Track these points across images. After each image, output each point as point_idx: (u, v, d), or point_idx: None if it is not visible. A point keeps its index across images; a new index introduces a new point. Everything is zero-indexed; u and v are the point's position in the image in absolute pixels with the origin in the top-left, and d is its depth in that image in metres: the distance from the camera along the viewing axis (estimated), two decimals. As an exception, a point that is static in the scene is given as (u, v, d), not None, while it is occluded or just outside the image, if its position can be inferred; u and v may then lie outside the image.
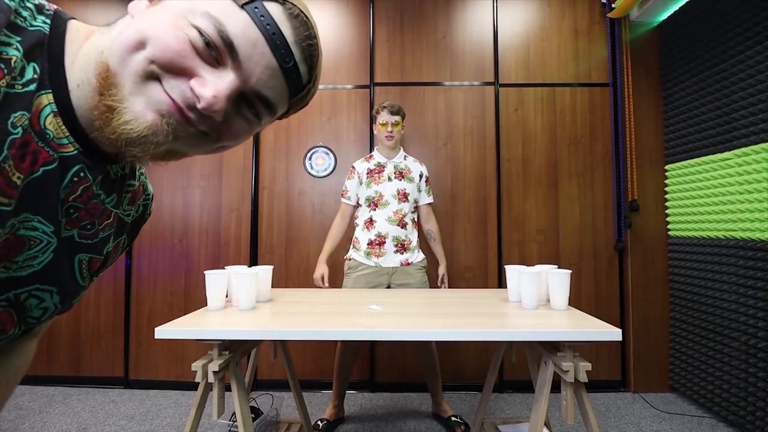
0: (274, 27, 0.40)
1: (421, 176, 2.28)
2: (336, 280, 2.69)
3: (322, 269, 2.21)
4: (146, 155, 0.41)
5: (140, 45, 0.38)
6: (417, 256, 2.23)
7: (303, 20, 0.42)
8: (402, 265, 2.19)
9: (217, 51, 0.39)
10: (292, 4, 0.41)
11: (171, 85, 0.39)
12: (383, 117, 2.20)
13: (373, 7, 2.84)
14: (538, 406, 1.31)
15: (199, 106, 0.39)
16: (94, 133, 0.40)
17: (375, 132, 2.28)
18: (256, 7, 0.39)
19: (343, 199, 2.29)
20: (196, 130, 0.42)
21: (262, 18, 0.39)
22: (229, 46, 0.39)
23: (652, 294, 2.67)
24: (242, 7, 0.39)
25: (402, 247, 2.19)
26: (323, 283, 2.19)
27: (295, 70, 0.42)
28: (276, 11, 0.40)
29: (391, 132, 2.19)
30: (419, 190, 2.28)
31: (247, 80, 0.41)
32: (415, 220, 2.29)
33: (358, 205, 2.28)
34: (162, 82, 0.39)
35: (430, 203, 2.33)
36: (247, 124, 0.45)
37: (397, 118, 2.20)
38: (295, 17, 0.41)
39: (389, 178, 2.21)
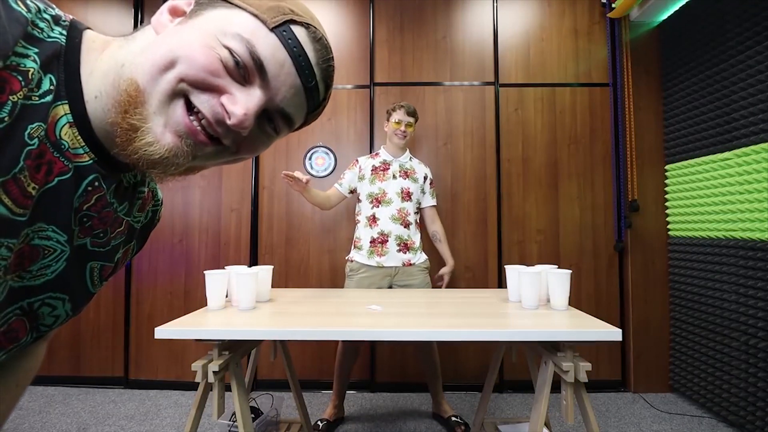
0: (300, 49, 0.43)
1: (425, 178, 2.28)
2: (338, 281, 2.70)
3: (305, 179, 1.97)
4: (167, 175, 0.42)
5: (171, 64, 0.39)
6: (419, 257, 2.22)
7: (324, 43, 0.45)
8: (404, 265, 2.18)
9: (247, 70, 0.41)
10: (315, 28, 0.44)
11: (200, 99, 0.40)
12: (398, 115, 2.19)
13: (373, 7, 2.84)
14: (538, 406, 1.31)
15: (229, 122, 0.41)
16: (115, 149, 0.41)
17: (386, 129, 2.28)
18: (284, 31, 0.42)
19: (336, 185, 2.27)
20: (213, 149, 0.43)
21: (290, 41, 0.42)
22: (260, 66, 0.41)
23: (652, 294, 2.67)
24: (272, 30, 0.42)
25: (405, 246, 2.18)
26: (293, 175, 1.95)
27: (315, 89, 0.46)
28: (302, 34, 0.43)
29: (404, 131, 2.19)
30: (423, 192, 2.28)
31: (273, 98, 0.43)
32: (418, 221, 2.29)
33: (351, 193, 2.27)
34: (190, 97, 0.40)
35: (433, 206, 2.33)
36: (266, 138, 0.47)
37: (411, 119, 2.21)
38: (318, 41, 0.44)
39: (394, 176, 2.21)
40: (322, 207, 2.25)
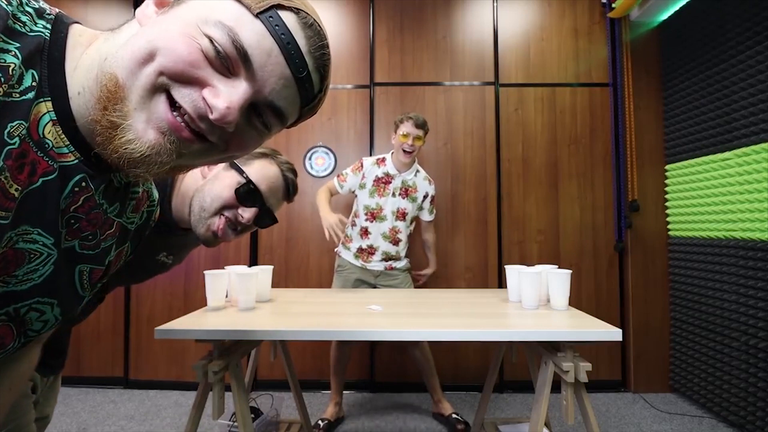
0: (288, 36, 0.39)
1: (425, 196, 2.23)
2: (329, 278, 2.69)
3: (336, 215, 1.95)
4: (150, 174, 0.40)
5: (150, 57, 0.37)
6: (400, 263, 2.27)
7: (316, 29, 0.41)
8: (386, 269, 2.24)
9: (230, 61, 0.38)
10: (306, 13, 0.41)
11: (182, 94, 0.38)
12: (406, 128, 2.06)
13: (373, 7, 2.84)
14: (538, 406, 1.31)
15: (211, 117, 0.38)
16: (96, 148, 0.39)
17: (393, 141, 2.16)
18: (270, 17, 0.39)
19: (336, 183, 2.20)
20: (199, 146, 0.40)
21: (277, 27, 0.39)
22: (243, 55, 0.38)
23: (652, 294, 2.67)
24: (257, 16, 0.38)
25: (388, 258, 2.23)
26: (339, 228, 1.91)
27: (308, 79, 0.42)
28: (290, 20, 0.40)
29: (412, 145, 2.06)
30: (420, 209, 2.26)
31: (261, 90, 0.40)
32: (410, 234, 2.29)
33: (352, 193, 2.25)
34: (171, 92, 0.38)
35: (431, 221, 2.34)
36: (256, 134, 0.44)
37: (420, 132, 2.08)
38: (309, 27, 0.41)
39: (393, 194, 2.16)
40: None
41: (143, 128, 0.37)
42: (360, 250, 2.21)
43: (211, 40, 0.37)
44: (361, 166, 2.18)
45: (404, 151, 2.08)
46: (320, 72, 0.43)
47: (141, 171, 0.39)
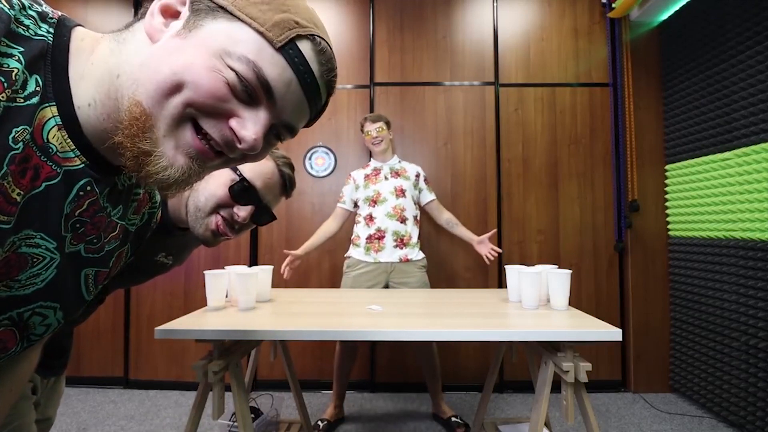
0: (306, 67, 0.42)
1: (417, 176, 2.33)
2: (338, 281, 2.69)
3: (295, 253, 2.18)
4: (178, 192, 0.43)
5: (177, 88, 0.38)
6: (417, 254, 2.24)
7: (328, 55, 0.44)
8: (401, 261, 2.20)
9: (254, 90, 0.40)
10: (320, 38, 0.43)
11: (209, 124, 0.40)
12: (366, 127, 2.30)
13: (373, 7, 2.84)
14: (538, 406, 1.31)
15: (240, 147, 0.41)
16: (124, 170, 0.41)
17: (366, 144, 2.39)
18: (290, 49, 0.41)
19: (339, 204, 2.36)
20: (220, 161, 0.43)
21: (296, 59, 0.41)
22: (267, 89, 0.40)
23: (652, 294, 2.67)
24: (278, 50, 0.40)
25: (401, 242, 2.20)
26: (284, 267, 2.14)
27: (318, 98, 0.45)
28: (307, 49, 0.42)
29: (377, 137, 2.26)
30: (419, 190, 2.32)
31: (279, 115, 0.43)
32: (417, 217, 2.30)
33: (356, 207, 2.32)
34: (198, 120, 0.40)
35: (434, 200, 2.36)
36: (269, 146, 0.47)
37: (379, 123, 2.27)
38: (322, 53, 0.43)
39: (386, 178, 2.27)
40: (330, 236, 2.32)
41: (173, 155, 0.40)
42: (369, 238, 2.21)
43: (237, 74, 0.39)
44: (350, 176, 2.36)
45: (374, 144, 2.29)
46: (328, 90, 0.47)
47: (172, 191, 0.42)
